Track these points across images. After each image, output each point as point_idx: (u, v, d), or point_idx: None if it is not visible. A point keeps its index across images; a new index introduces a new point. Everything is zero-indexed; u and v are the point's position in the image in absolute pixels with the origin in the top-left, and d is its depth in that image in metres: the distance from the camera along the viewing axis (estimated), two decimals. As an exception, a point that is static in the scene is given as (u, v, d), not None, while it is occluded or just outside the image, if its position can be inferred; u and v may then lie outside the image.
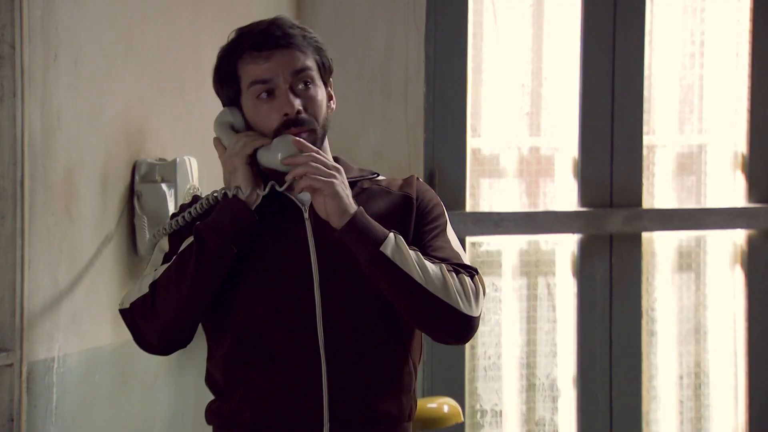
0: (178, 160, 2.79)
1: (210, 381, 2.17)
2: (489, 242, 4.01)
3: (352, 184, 2.15)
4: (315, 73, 2.13)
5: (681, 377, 4.18)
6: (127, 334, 2.75)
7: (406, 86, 3.85)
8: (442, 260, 2.10)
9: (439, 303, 2.05)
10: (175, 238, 2.12)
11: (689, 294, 4.19)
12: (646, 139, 4.09)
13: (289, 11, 3.68)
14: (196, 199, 2.21)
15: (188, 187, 2.80)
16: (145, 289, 2.07)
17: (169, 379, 2.93)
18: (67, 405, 2.55)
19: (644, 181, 4.08)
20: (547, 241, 4.07)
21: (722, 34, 4.16)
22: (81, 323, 2.59)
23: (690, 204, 4.17)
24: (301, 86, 2.11)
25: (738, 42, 4.16)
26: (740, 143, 4.17)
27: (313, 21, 3.74)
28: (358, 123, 3.75)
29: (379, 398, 2.12)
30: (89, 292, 2.61)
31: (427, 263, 2.06)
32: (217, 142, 2.16)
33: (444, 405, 3.15)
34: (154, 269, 2.11)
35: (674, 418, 4.18)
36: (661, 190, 4.15)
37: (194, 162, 2.85)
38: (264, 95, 2.10)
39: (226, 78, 2.16)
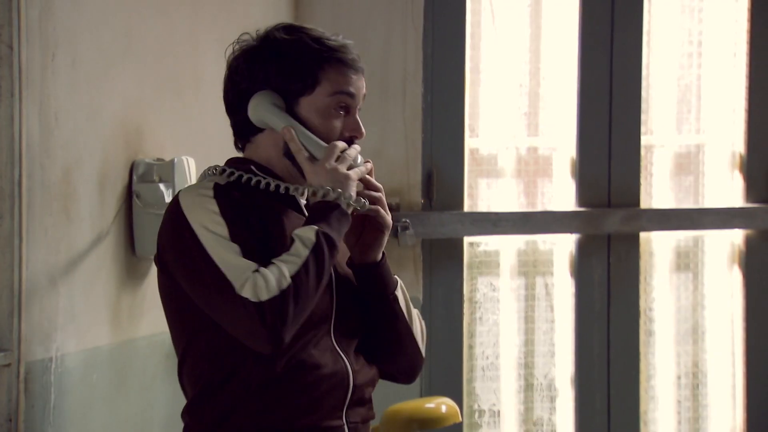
0: (176, 160, 2.80)
1: (219, 383, 2.09)
2: (487, 242, 4.01)
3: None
4: None
5: (679, 377, 4.18)
6: (126, 334, 2.76)
7: (404, 86, 3.85)
8: None
9: (416, 347, 2.25)
10: (235, 214, 2.03)
11: (687, 294, 4.20)
12: (644, 139, 4.09)
13: (288, 11, 3.68)
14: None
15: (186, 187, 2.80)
16: (286, 284, 1.95)
17: (167, 379, 2.93)
18: (65, 405, 2.55)
19: (642, 181, 4.08)
20: (545, 241, 4.07)
21: (720, 34, 4.16)
22: (79, 323, 2.59)
23: (688, 204, 4.17)
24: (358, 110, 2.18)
25: (736, 42, 4.16)
26: (738, 143, 4.17)
27: (311, 21, 3.74)
28: (356, 123, 3.75)
29: (370, 398, 2.19)
30: (87, 292, 2.61)
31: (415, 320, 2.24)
32: (290, 133, 2.09)
33: (442, 405, 3.14)
34: (236, 252, 1.98)
35: (672, 418, 4.18)
36: (658, 190, 4.15)
37: (192, 162, 2.85)
38: (341, 108, 2.14)
39: (301, 74, 2.12)
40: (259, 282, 1.94)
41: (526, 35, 4.04)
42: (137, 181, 2.76)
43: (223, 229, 2.00)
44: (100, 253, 2.65)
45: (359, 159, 2.13)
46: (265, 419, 2.06)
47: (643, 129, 4.07)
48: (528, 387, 4.07)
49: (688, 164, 4.20)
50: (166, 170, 2.78)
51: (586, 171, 4.03)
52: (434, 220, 3.83)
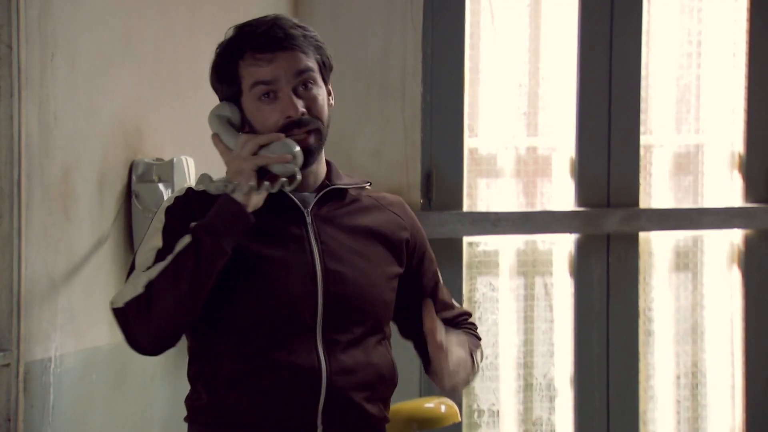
0: (175, 160, 2.80)
1: (199, 377, 2.15)
2: (486, 242, 4.01)
3: (343, 193, 2.21)
4: (316, 74, 2.14)
5: (678, 377, 4.18)
6: (124, 334, 2.75)
7: (404, 86, 3.85)
8: (460, 317, 2.35)
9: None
10: (168, 234, 2.09)
11: (686, 294, 4.20)
12: (643, 139, 4.09)
13: (287, 11, 3.68)
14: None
15: (185, 186, 2.80)
16: (140, 289, 2.04)
17: (166, 379, 2.93)
18: (64, 405, 2.55)
19: (641, 180, 4.08)
20: (544, 240, 4.07)
21: (719, 34, 4.17)
22: (78, 323, 2.59)
23: (687, 204, 4.17)
24: (302, 88, 2.11)
25: (735, 42, 4.16)
26: (737, 143, 4.17)
27: (311, 20, 3.74)
28: (356, 123, 3.75)
29: (371, 402, 2.17)
30: (86, 292, 2.61)
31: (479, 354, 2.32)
32: (217, 139, 2.14)
33: (441, 405, 3.14)
34: (146, 267, 2.07)
35: (671, 417, 4.18)
36: (658, 190, 4.15)
37: (191, 162, 2.85)
38: (266, 97, 2.10)
39: (227, 76, 2.15)
40: (123, 289, 2.06)
41: (526, 35, 4.04)
42: (136, 181, 2.76)
43: (156, 240, 2.09)
44: (99, 253, 2.65)
45: (277, 146, 2.06)
46: (236, 414, 2.10)
47: (642, 129, 4.07)
48: (527, 387, 4.07)
49: (687, 164, 4.20)
50: (166, 170, 2.78)
51: (585, 171, 4.03)
52: (433, 220, 3.83)
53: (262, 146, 2.07)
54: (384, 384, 2.19)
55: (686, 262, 4.20)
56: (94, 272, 2.63)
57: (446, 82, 3.91)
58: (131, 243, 2.76)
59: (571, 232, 4.03)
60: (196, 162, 2.88)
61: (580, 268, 4.04)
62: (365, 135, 3.79)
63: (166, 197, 2.73)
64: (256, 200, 2.07)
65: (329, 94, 2.18)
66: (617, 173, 4.04)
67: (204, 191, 2.11)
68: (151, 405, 2.89)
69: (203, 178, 2.11)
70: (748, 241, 4.18)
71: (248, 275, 2.10)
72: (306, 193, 2.16)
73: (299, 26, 2.15)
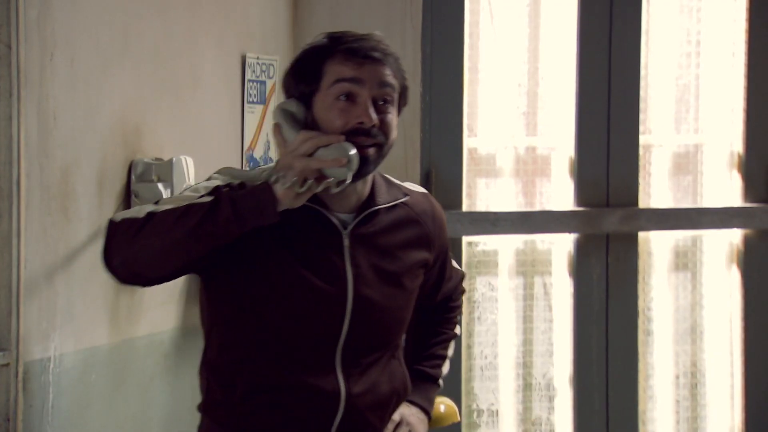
0: (174, 159, 2.80)
1: (217, 374, 2.14)
2: (485, 242, 4.01)
3: (387, 209, 2.18)
4: (395, 94, 2.11)
5: (677, 377, 4.18)
6: (124, 334, 2.76)
7: (403, 86, 3.85)
8: (453, 291, 2.44)
9: None
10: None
11: (685, 293, 4.20)
12: (643, 139, 4.09)
13: (286, 10, 3.68)
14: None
15: (184, 186, 2.80)
16: (142, 214, 1.99)
17: (165, 379, 2.93)
18: (63, 405, 2.55)
19: (641, 180, 4.08)
20: (543, 240, 4.07)
21: (718, 34, 4.16)
22: (77, 323, 2.59)
23: (686, 204, 4.17)
24: (381, 102, 2.08)
25: (734, 42, 4.16)
26: (736, 143, 4.17)
27: (309, 21, 3.74)
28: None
29: (385, 418, 2.21)
30: (85, 291, 2.61)
31: (447, 360, 2.45)
32: (277, 129, 2.07)
33: (440, 405, 3.13)
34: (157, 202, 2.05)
35: (671, 417, 4.18)
36: (657, 190, 4.15)
37: (191, 162, 2.85)
38: (344, 97, 2.05)
39: (308, 73, 2.09)
40: (131, 209, 2.03)
41: (525, 35, 4.04)
42: (136, 180, 2.76)
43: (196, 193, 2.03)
44: (98, 253, 2.65)
45: (335, 148, 1.99)
46: (250, 423, 2.10)
47: (641, 129, 4.07)
48: (526, 387, 4.07)
49: (686, 164, 4.20)
50: (165, 170, 2.78)
51: (584, 171, 4.03)
52: (433, 220, 3.82)
53: (320, 147, 1.99)
54: (399, 399, 2.24)
55: (685, 261, 4.20)
56: (93, 272, 2.62)
57: (445, 82, 3.91)
58: (130, 243, 2.76)
59: (570, 232, 4.03)
60: (195, 162, 2.88)
61: (580, 267, 4.04)
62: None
63: (164, 196, 2.73)
64: (296, 199, 1.97)
65: (396, 122, 2.15)
66: (616, 173, 4.04)
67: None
68: (150, 405, 2.89)
69: (227, 170, 2.08)
70: (747, 241, 4.18)
71: (279, 291, 2.07)
72: (345, 215, 2.12)
73: (393, 52, 2.15)
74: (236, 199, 1.94)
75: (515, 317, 4.05)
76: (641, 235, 4.09)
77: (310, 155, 1.97)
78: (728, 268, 4.20)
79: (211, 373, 2.15)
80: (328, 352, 2.11)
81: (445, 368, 2.43)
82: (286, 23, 3.68)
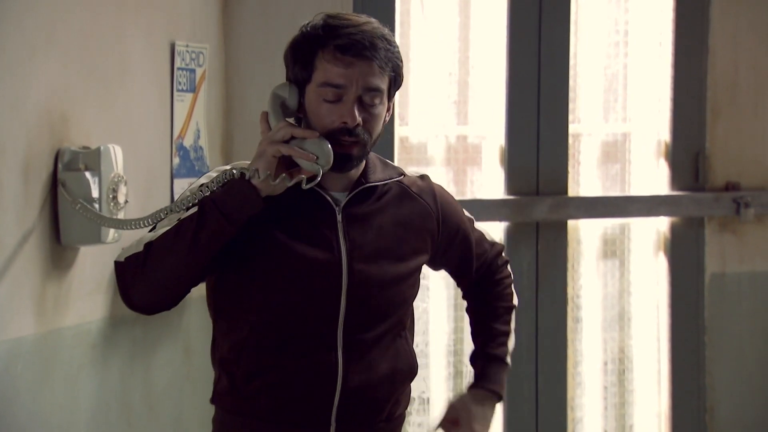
0: (102, 148, 2.77)
1: (222, 362, 2.18)
2: (416, 230, 4.02)
3: (382, 189, 2.23)
4: (384, 93, 2.15)
5: (605, 363, 4.23)
6: (51, 324, 2.73)
7: (334, 74, 3.84)
8: (492, 263, 2.45)
9: None
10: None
11: (614, 281, 4.24)
12: (572, 128, 4.12)
13: (216, 1, 3.65)
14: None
15: (112, 175, 2.78)
16: (141, 248, 2.08)
17: (93, 370, 2.91)
18: (-12, 397, 2.51)
19: (570, 169, 4.12)
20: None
21: (646, 24, 4.21)
22: (3, 313, 2.55)
23: (614, 192, 4.21)
24: (367, 100, 2.12)
25: (661, 31, 4.20)
26: (663, 132, 4.22)
27: (239, 7, 3.72)
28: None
29: (387, 399, 2.22)
30: (11, 281, 2.58)
31: (511, 333, 2.46)
32: (264, 117, 2.15)
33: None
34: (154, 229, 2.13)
35: (599, 403, 4.23)
36: (586, 179, 4.18)
37: (119, 150, 2.83)
38: (330, 96, 2.11)
39: (302, 60, 2.15)
40: (130, 245, 2.11)
41: (455, 24, 4.05)
42: (62, 169, 2.73)
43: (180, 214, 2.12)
44: (24, 242, 2.62)
45: (311, 143, 2.08)
46: (253, 405, 2.14)
47: (570, 118, 4.10)
48: (457, 374, 4.09)
49: (614, 152, 4.24)
50: (93, 158, 2.76)
51: (514, 159, 4.05)
52: (364, 209, 3.82)
53: (296, 138, 2.08)
54: (402, 378, 2.25)
55: (614, 249, 4.24)
56: (19, 262, 2.59)
57: (376, 71, 3.90)
58: (58, 232, 2.73)
59: (500, 220, 4.05)
60: (123, 150, 2.85)
61: (510, 255, 4.01)
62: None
63: (92, 185, 2.71)
64: (273, 188, 2.07)
65: (389, 109, 2.20)
66: (546, 162, 4.07)
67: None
68: (78, 396, 2.86)
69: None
70: (673, 229, 4.23)
71: (275, 270, 2.12)
72: (338, 194, 2.18)
73: (386, 39, 2.16)
74: (219, 201, 2.05)
75: (446, 305, 4.07)
76: (570, 223, 4.13)
77: (287, 143, 2.07)
78: (655, 255, 4.26)
79: (219, 361, 2.20)
80: (328, 331, 2.14)
81: (511, 343, 2.43)
82: (216, 10, 3.65)
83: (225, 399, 2.19)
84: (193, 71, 3.43)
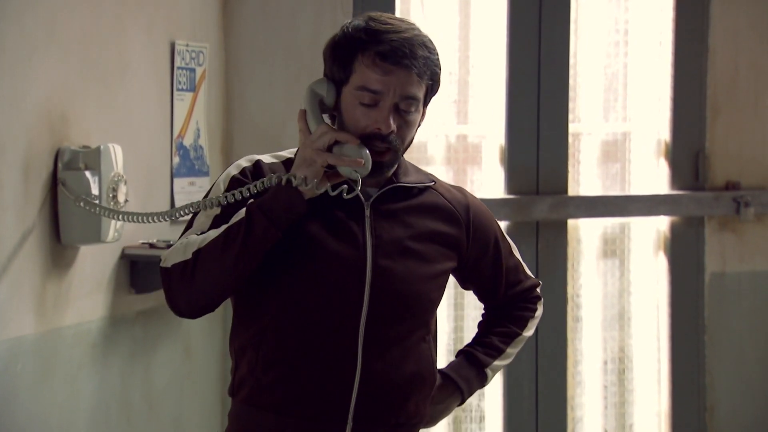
0: (102, 147, 2.77)
1: (242, 349, 2.18)
2: (416, 229, 4.02)
3: (406, 189, 2.22)
4: (420, 101, 2.15)
5: (605, 362, 4.23)
6: (51, 324, 2.73)
7: (334, 73, 3.84)
8: (521, 293, 2.42)
9: None
10: (228, 203, 2.13)
11: (614, 280, 4.24)
12: (572, 127, 4.12)
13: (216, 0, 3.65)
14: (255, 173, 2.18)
15: (112, 174, 2.78)
16: (189, 255, 2.08)
17: (93, 369, 2.91)
18: (-12, 395, 2.52)
19: (570, 168, 4.12)
20: (474, 228, 4.08)
21: (646, 23, 4.21)
22: (3, 312, 2.56)
23: (614, 191, 4.21)
24: (403, 107, 2.12)
25: (661, 31, 4.21)
26: (663, 131, 4.22)
27: (239, 7, 3.72)
28: (286, 111, 3.73)
29: (406, 401, 2.19)
30: (11, 280, 2.58)
31: (506, 353, 2.38)
32: (302, 115, 2.15)
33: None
34: (200, 231, 2.12)
35: (599, 402, 4.23)
36: (586, 178, 4.19)
37: (119, 149, 2.83)
38: (367, 100, 2.11)
39: (341, 60, 2.14)
40: (173, 249, 2.09)
41: (456, 23, 4.05)
42: (62, 168, 2.73)
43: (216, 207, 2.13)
44: (24, 242, 2.62)
45: (351, 148, 2.08)
46: (271, 397, 2.13)
47: (570, 117, 4.10)
48: (457, 373, 4.08)
49: (614, 152, 4.24)
50: (92, 158, 2.76)
51: (515, 159, 4.05)
52: (364, 208, 3.82)
53: (339, 142, 2.09)
54: (421, 382, 2.21)
55: (614, 248, 4.24)
56: (19, 260, 2.59)
57: (376, 70, 3.90)
58: (57, 231, 2.74)
59: (500, 220, 4.03)
60: (123, 149, 2.85)
61: (510, 255, 4.06)
62: (295, 120, 3.77)
63: (92, 185, 2.71)
64: (314, 193, 2.09)
65: (423, 115, 2.21)
66: (546, 161, 4.07)
67: (273, 164, 2.17)
68: (78, 394, 2.87)
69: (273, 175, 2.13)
70: (673, 228, 4.23)
71: (300, 260, 2.13)
72: (370, 189, 2.18)
73: (427, 46, 2.16)
74: (266, 208, 2.06)
75: (446, 304, 4.07)
76: (570, 222, 4.13)
77: (329, 149, 2.08)
78: (655, 254, 4.26)
79: (238, 349, 2.18)
80: (350, 325, 2.13)
81: (499, 362, 2.38)
82: (216, 9, 3.65)
83: (242, 389, 2.17)
84: (193, 70, 3.43)
